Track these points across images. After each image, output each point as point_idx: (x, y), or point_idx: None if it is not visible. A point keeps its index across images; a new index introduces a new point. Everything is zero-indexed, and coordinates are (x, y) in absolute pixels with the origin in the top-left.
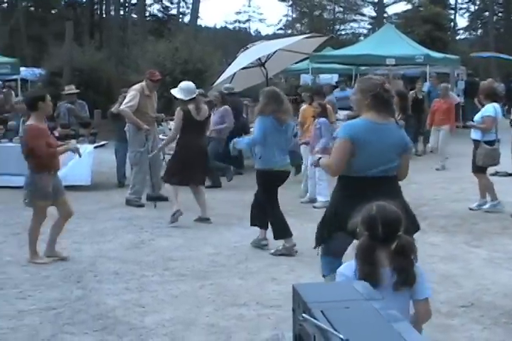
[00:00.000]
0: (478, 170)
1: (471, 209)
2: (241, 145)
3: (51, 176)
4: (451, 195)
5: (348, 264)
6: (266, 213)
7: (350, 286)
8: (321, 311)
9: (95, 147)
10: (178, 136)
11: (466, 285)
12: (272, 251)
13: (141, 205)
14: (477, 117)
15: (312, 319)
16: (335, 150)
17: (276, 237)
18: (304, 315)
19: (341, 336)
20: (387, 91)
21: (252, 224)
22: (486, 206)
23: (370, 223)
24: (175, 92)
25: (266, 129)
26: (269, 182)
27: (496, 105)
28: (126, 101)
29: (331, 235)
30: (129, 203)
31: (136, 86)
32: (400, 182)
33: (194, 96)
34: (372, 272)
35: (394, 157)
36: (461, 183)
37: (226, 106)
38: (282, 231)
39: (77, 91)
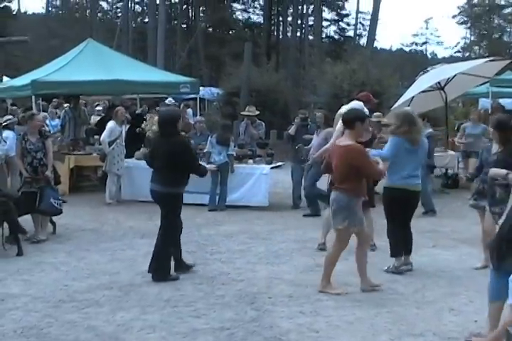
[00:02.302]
0: None
1: None
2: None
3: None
4: None
5: None
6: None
7: None
8: None
9: (272, 168)
10: None
11: None
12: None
13: None
14: None
15: None
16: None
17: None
18: None
19: None
20: None
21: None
22: None
23: None
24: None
25: (396, 149)
26: (391, 198)
27: None
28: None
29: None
30: None
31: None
32: None
33: None
34: None
35: None
36: None
37: (330, 129)
38: (394, 249)
39: (257, 113)
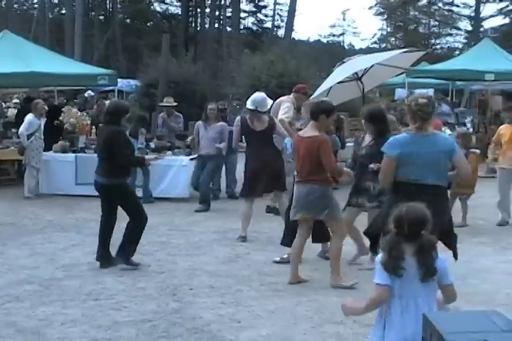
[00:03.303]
0: None
1: None
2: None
3: None
4: None
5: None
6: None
7: (485, 316)
8: None
9: (191, 159)
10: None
11: None
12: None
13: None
14: None
15: None
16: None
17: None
18: None
19: None
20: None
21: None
22: None
23: (399, 221)
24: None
25: None
26: None
27: None
28: (283, 112)
29: None
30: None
31: (288, 99)
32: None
33: (253, 108)
34: (396, 265)
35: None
36: None
37: (222, 123)
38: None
39: (175, 104)
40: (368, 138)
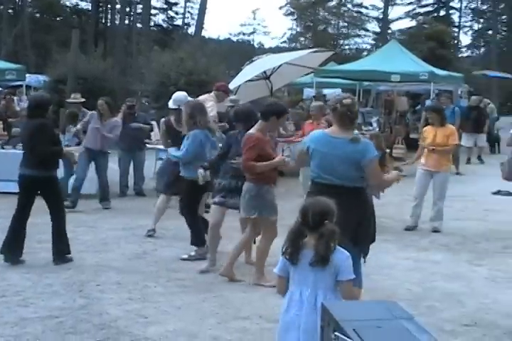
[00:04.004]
0: None
1: None
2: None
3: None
4: (454, 213)
5: None
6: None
7: (381, 305)
8: (354, 330)
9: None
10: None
11: (468, 304)
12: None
13: None
14: None
15: (346, 338)
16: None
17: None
18: (336, 333)
19: None
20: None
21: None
22: None
23: (304, 212)
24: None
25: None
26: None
27: None
28: (208, 110)
29: None
30: None
31: (210, 97)
32: (401, 199)
33: (176, 106)
34: (295, 253)
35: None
36: (463, 202)
37: (115, 118)
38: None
39: (83, 100)
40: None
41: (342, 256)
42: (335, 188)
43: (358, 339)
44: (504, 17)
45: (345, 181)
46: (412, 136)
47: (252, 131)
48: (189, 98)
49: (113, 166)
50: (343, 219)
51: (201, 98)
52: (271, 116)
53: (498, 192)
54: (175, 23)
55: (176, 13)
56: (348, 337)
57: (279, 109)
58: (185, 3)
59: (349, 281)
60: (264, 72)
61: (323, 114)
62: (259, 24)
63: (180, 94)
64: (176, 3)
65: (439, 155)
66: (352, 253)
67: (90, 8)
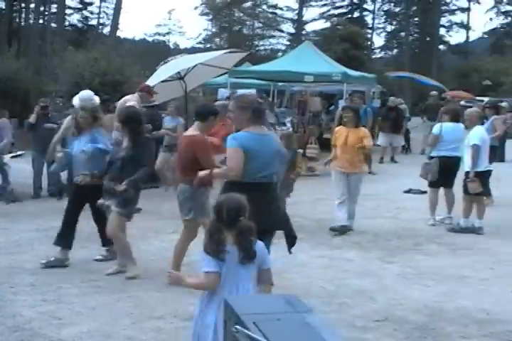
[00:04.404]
0: (429, 184)
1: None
2: None
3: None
4: (367, 211)
5: None
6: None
7: (282, 299)
8: (254, 323)
9: (12, 157)
10: None
11: (379, 300)
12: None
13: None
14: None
15: (246, 330)
16: (233, 157)
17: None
18: (237, 326)
19: None
20: (260, 104)
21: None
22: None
23: (218, 209)
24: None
25: None
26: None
27: (446, 124)
28: None
29: None
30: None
31: (133, 97)
32: (314, 198)
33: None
34: (218, 249)
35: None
36: (376, 200)
37: (4, 119)
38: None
39: None
40: (126, 140)
41: (260, 245)
42: (272, 184)
43: (257, 332)
44: (416, 19)
45: (276, 176)
46: (325, 136)
47: (194, 132)
48: (96, 97)
49: (27, 167)
50: (277, 214)
51: (125, 98)
52: (210, 116)
53: (409, 191)
54: (90, 23)
55: (91, 13)
56: (248, 330)
57: (214, 109)
58: (100, 3)
59: (270, 268)
60: (179, 72)
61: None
62: (174, 25)
63: (85, 93)
64: (91, 3)
65: (351, 157)
66: (265, 241)
67: (4, 6)
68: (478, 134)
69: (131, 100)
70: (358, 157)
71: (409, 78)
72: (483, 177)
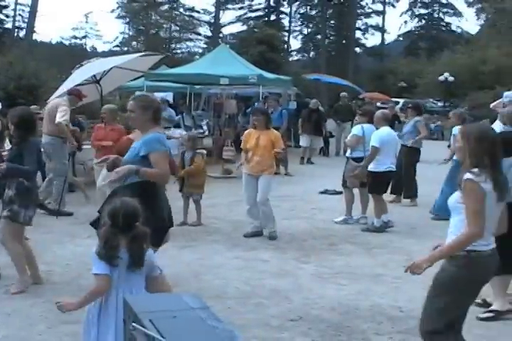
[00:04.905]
0: (343, 184)
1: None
2: None
3: None
4: (283, 212)
5: None
6: None
7: (179, 297)
8: (150, 320)
9: None
10: None
11: (295, 300)
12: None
13: (70, 214)
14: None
15: (141, 327)
16: (165, 161)
17: None
18: (134, 324)
19: None
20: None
21: None
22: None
23: (113, 214)
24: None
25: None
26: None
27: (366, 126)
28: (61, 115)
29: None
30: (61, 214)
31: (63, 101)
32: (230, 200)
33: None
34: (111, 255)
35: None
36: (292, 201)
37: None
38: None
39: None
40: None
41: (149, 252)
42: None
43: (153, 329)
44: (332, 22)
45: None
46: (241, 138)
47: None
48: None
49: None
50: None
51: (54, 102)
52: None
53: (325, 192)
54: (5, 26)
55: (7, 16)
56: (144, 327)
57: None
58: (16, 5)
59: (161, 274)
60: (94, 75)
61: (114, 117)
62: (91, 28)
63: None
64: (6, 6)
65: (262, 159)
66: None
67: None
68: (378, 136)
69: (61, 104)
70: (269, 159)
71: (316, 79)
72: (384, 177)
